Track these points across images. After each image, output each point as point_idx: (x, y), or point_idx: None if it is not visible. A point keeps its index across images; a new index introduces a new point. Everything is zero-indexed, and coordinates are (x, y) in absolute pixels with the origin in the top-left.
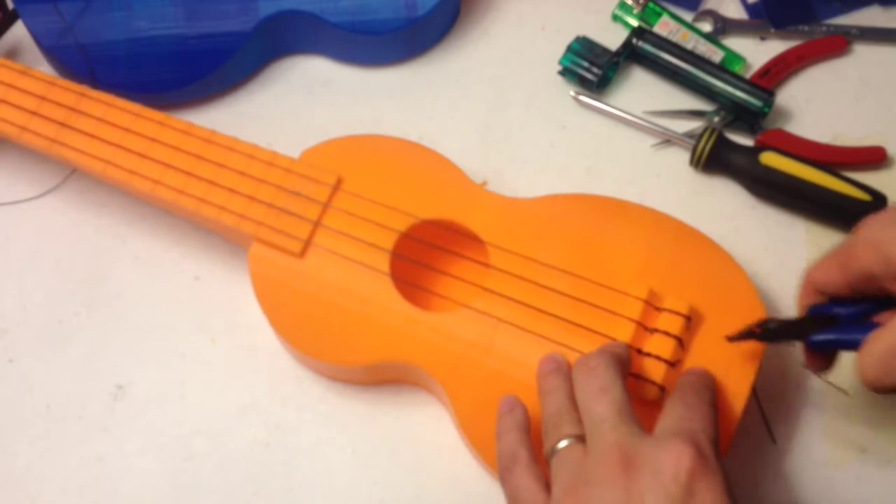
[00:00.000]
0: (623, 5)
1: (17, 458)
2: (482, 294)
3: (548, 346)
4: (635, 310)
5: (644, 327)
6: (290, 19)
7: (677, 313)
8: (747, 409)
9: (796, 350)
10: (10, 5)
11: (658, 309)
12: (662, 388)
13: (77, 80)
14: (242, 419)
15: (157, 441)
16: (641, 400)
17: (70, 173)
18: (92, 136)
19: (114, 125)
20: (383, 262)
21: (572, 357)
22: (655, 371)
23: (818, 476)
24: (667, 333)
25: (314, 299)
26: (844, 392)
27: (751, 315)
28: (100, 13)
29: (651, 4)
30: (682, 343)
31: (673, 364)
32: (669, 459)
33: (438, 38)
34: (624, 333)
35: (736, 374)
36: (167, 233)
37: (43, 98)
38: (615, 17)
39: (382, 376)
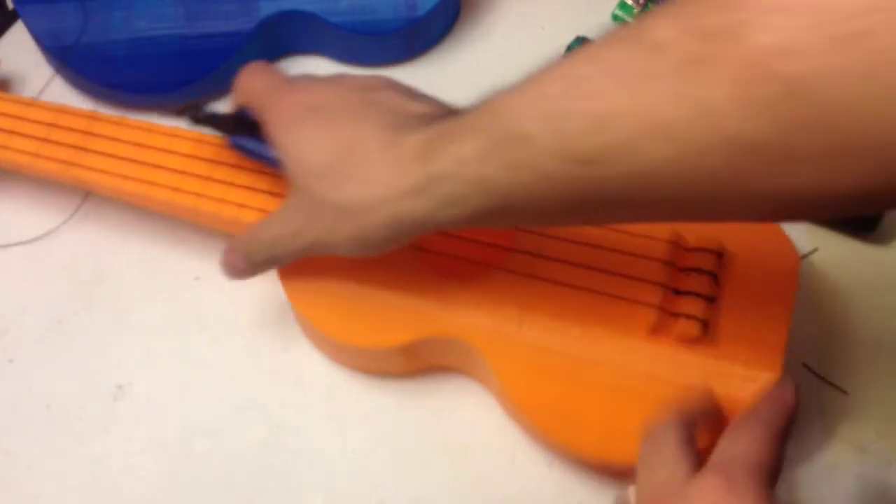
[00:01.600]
0: (623, 5)
1: (17, 458)
2: (508, 255)
3: (582, 296)
4: (664, 251)
5: (676, 267)
6: (291, 19)
7: (707, 250)
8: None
9: (796, 351)
10: (10, 5)
11: (687, 249)
12: (705, 323)
13: (77, 80)
14: (242, 419)
15: (157, 441)
16: (686, 339)
17: (80, 206)
18: (105, 154)
19: (126, 142)
20: None
21: (611, 304)
22: (694, 307)
23: (818, 476)
24: (700, 270)
25: (342, 281)
26: (844, 392)
27: (781, 250)
28: (100, 13)
29: (651, 5)
30: (716, 279)
31: (711, 299)
32: (695, 496)
33: (438, 38)
34: (655, 274)
35: (775, 297)
36: (167, 233)
37: (53, 125)
38: (615, 18)
39: (418, 359)
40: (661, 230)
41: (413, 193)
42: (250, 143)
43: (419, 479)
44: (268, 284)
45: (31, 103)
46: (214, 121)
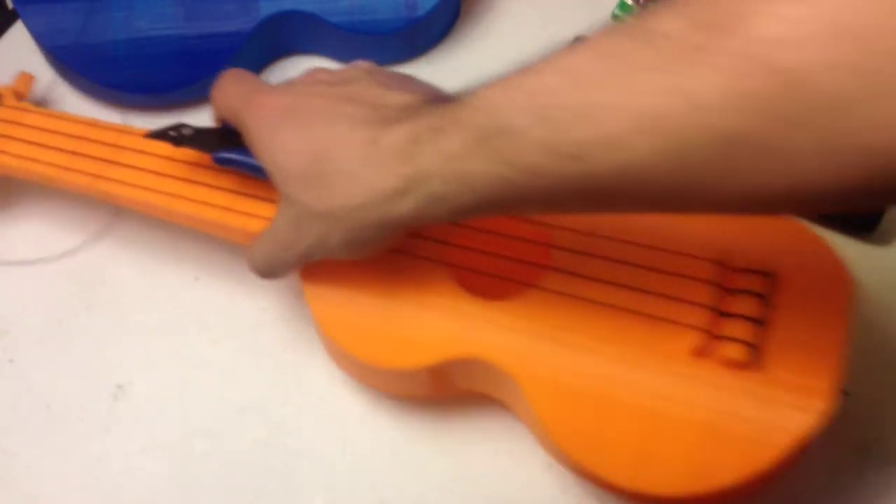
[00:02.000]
0: (623, 5)
1: (17, 458)
2: (543, 273)
3: (620, 316)
4: (709, 271)
5: (722, 288)
6: (291, 19)
7: (756, 271)
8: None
9: None
10: (10, 5)
11: (735, 270)
12: (753, 347)
13: (77, 80)
14: (242, 419)
15: (157, 441)
16: (731, 363)
17: (106, 226)
18: (134, 167)
19: (155, 155)
20: (439, 253)
21: (652, 325)
22: (741, 330)
23: (818, 476)
24: (748, 291)
25: (369, 298)
26: (845, 392)
27: (834, 272)
28: (100, 13)
29: (651, 4)
30: (765, 301)
31: (759, 322)
32: None
33: (438, 38)
34: (699, 295)
35: (828, 321)
36: (167, 233)
37: (82, 138)
38: (615, 17)
39: (444, 383)
40: (708, 249)
41: (397, 194)
42: (235, 156)
43: (419, 480)
44: (268, 284)
45: (62, 116)
46: (196, 139)
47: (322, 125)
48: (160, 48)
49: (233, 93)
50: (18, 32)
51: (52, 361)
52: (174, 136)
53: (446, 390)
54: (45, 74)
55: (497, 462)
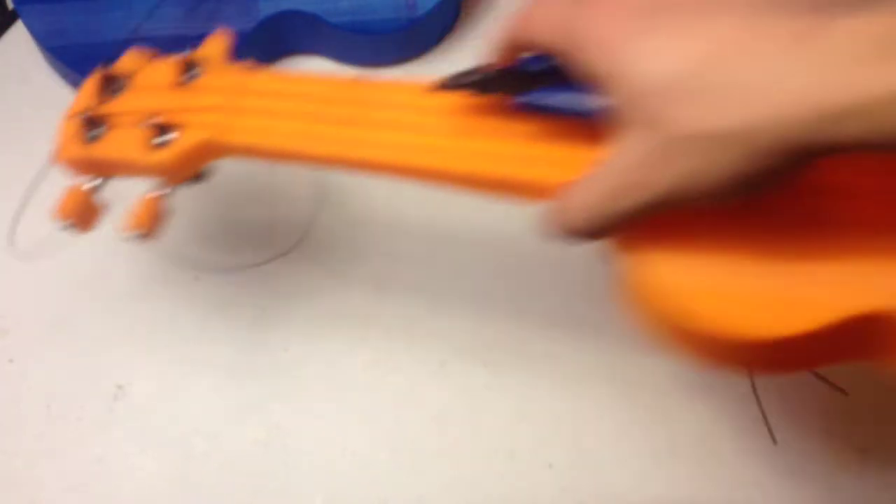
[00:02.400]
0: None
1: (16, 458)
2: None
3: None
4: None
5: None
6: (291, 19)
7: None
8: None
9: None
10: (10, 5)
11: None
12: None
13: (77, 80)
14: (242, 419)
15: (156, 441)
16: None
17: (298, 242)
18: (389, 126)
19: (411, 107)
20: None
21: None
22: None
23: (818, 476)
24: None
25: (721, 253)
26: (844, 392)
27: None
28: (100, 13)
29: None
30: None
31: None
32: None
33: (438, 38)
34: None
35: None
36: (167, 231)
37: (321, 99)
38: None
39: (831, 346)
40: None
41: (853, 111)
42: (547, 97)
43: (419, 480)
44: (268, 282)
45: (290, 77)
46: (502, 81)
47: (710, 19)
48: (160, 48)
49: (557, 10)
50: (18, 32)
51: (52, 361)
52: (477, 80)
53: (834, 356)
54: (44, 74)
55: (497, 462)
